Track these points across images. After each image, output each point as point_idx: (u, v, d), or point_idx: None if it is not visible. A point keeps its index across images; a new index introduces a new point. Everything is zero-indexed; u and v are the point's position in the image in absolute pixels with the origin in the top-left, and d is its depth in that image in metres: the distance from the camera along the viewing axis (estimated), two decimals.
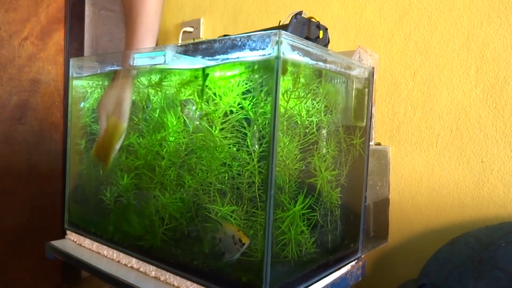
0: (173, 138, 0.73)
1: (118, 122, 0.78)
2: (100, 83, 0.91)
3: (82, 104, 0.93)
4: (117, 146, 0.78)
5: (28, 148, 1.41)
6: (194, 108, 0.68)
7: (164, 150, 0.73)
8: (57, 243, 0.85)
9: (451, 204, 1.00)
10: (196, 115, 0.67)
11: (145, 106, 0.80)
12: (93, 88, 0.92)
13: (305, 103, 0.68)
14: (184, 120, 0.69)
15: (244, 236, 0.59)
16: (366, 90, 0.80)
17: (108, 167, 0.81)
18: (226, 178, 0.67)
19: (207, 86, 0.68)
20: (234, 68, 0.67)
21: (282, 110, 0.63)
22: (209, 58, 0.65)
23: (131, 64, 0.78)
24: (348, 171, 0.76)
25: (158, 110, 0.76)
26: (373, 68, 0.81)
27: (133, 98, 0.82)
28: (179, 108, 0.69)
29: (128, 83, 0.78)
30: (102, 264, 0.76)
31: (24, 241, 1.41)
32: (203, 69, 0.67)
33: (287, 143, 0.65)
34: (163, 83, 0.77)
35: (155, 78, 0.78)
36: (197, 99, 0.69)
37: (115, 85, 0.80)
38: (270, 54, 0.56)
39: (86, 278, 1.59)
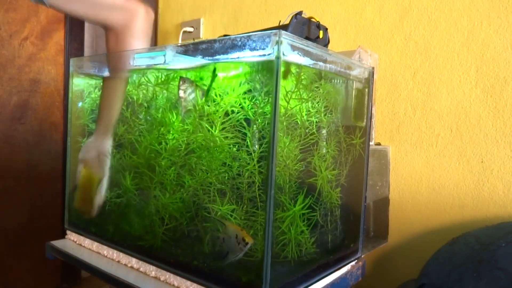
0: (172, 135, 0.73)
1: (95, 174, 0.81)
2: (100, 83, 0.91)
3: (80, 104, 0.93)
4: (98, 196, 0.81)
5: (28, 148, 1.41)
6: (191, 89, 0.67)
7: (163, 148, 0.73)
8: (57, 243, 0.85)
9: (451, 204, 1.00)
10: (191, 97, 0.67)
11: (146, 106, 0.80)
12: (92, 88, 0.92)
13: (306, 103, 0.68)
14: (178, 99, 0.68)
15: (248, 235, 0.59)
16: (366, 90, 0.80)
17: (93, 215, 0.82)
18: (226, 178, 0.67)
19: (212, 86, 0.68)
20: (234, 68, 0.67)
21: (282, 110, 0.63)
22: (209, 58, 0.65)
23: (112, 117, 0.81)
24: (348, 171, 0.76)
25: (159, 109, 0.76)
26: (373, 68, 0.81)
27: (134, 99, 0.82)
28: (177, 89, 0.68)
29: (108, 136, 0.81)
30: (102, 264, 0.76)
31: (24, 241, 1.41)
32: (214, 69, 0.67)
33: (288, 143, 0.65)
34: (162, 82, 0.77)
35: (156, 78, 0.78)
36: (198, 100, 0.69)
37: (96, 136, 0.82)
38: (270, 54, 0.56)
39: (86, 278, 1.59)
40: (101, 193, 0.81)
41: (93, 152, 0.81)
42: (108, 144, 0.81)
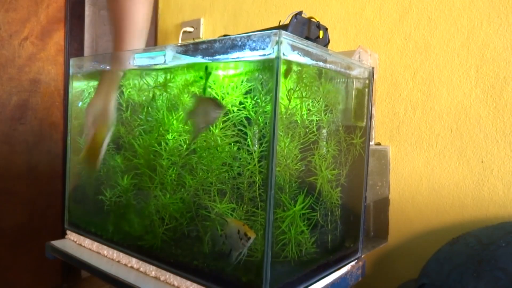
0: (172, 136, 0.73)
1: (103, 128, 0.80)
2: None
3: (80, 104, 0.93)
4: (103, 149, 0.81)
5: (28, 148, 1.41)
6: (218, 111, 0.64)
7: (163, 148, 0.73)
8: (57, 243, 0.85)
9: (451, 204, 1.00)
10: (214, 117, 0.64)
11: (146, 107, 0.80)
12: (92, 89, 0.92)
13: (306, 103, 0.68)
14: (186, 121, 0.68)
15: (249, 230, 0.58)
16: (366, 90, 0.80)
17: (95, 168, 0.83)
18: (227, 178, 0.67)
19: (209, 86, 0.68)
20: (234, 67, 0.67)
21: (283, 109, 0.63)
22: (209, 58, 0.65)
23: (119, 65, 0.79)
24: (348, 171, 0.76)
25: (159, 110, 0.76)
26: (373, 68, 0.81)
27: (136, 99, 0.82)
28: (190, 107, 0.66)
29: (113, 88, 0.78)
30: (102, 264, 0.76)
31: (24, 241, 1.41)
32: (206, 67, 0.67)
33: (288, 143, 0.65)
34: (161, 82, 0.77)
35: (154, 77, 0.78)
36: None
37: (101, 91, 0.80)
38: (270, 54, 0.56)
39: (86, 278, 1.59)
40: (104, 148, 0.80)
41: (97, 108, 0.79)
42: (112, 99, 0.78)
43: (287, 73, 0.62)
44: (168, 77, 0.75)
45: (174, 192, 0.72)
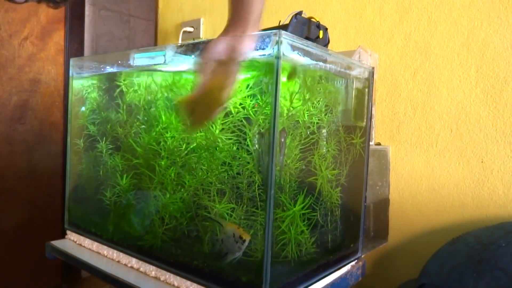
0: (172, 135, 0.73)
1: (233, 72, 0.58)
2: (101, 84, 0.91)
3: (83, 109, 0.92)
4: (219, 110, 0.60)
5: (28, 148, 1.40)
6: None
7: (163, 148, 0.73)
8: (57, 243, 0.85)
9: (451, 204, 1.00)
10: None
11: (145, 107, 0.80)
12: (92, 88, 0.92)
13: (307, 104, 0.68)
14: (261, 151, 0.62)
15: (244, 232, 0.58)
16: (366, 90, 0.80)
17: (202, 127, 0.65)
18: (226, 177, 0.67)
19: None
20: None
21: (284, 110, 0.63)
22: None
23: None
24: (348, 171, 0.76)
25: (162, 111, 0.76)
26: (373, 68, 0.81)
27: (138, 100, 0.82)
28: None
29: (248, 28, 0.57)
30: (102, 264, 0.76)
31: (24, 241, 1.41)
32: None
33: (288, 143, 0.65)
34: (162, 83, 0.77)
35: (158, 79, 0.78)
36: None
37: (231, 30, 0.58)
38: (270, 54, 0.56)
39: (86, 278, 1.59)
40: (222, 107, 0.60)
41: (222, 51, 0.56)
42: (248, 43, 0.56)
43: (290, 77, 0.62)
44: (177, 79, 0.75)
45: (173, 192, 0.71)
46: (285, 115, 0.63)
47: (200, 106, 0.59)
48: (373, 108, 0.97)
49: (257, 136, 0.63)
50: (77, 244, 0.86)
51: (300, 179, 0.67)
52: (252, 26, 0.57)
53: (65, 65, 1.49)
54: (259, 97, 0.63)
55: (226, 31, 0.58)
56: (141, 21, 1.71)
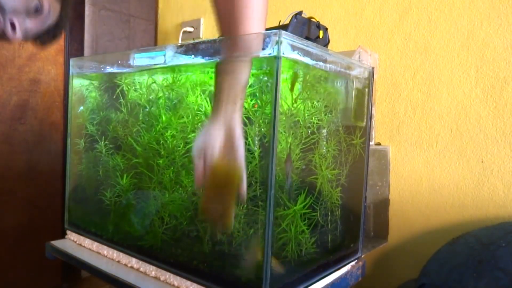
0: (170, 133, 0.73)
1: (234, 164, 0.56)
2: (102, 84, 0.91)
3: (81, 108, 0.92)
4: (240, 196, 0.57)
5: (28, 148, 1.40)
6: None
7: (162, 147, 0.73)
8: (57, 243, 0.85)
9: (451, 204, 1.00)
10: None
11: (145, 107, 0.80)
12: (91, 88, 0.92)
13: (307, 104, 0.68)
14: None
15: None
16: (366, 90, 0.80)
17: (230, 227, 0.59)
18: None
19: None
20: None
21: (285, 109, 0.63)
22: (209, 58, 0.65)
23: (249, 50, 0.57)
24: (348, 171, 0.76)
25: (162, 110, 0.76)
26: (373, 68, 0.81)
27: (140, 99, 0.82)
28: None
29: (238, 113, 0.56)
30: (102, 264, 0.76)
31: (24, 241, 1.41)
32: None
33: (288, 143, 0.65)
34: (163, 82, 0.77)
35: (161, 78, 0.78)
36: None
37: (218, 118, 0.57)
38: (270, 54, 0.56)
39: (86, 278, 1.59)
40: (243, 191, 0.56)
41: (219, 136, 0.56)
42: (239, 120, 0.56)
43: (292, 83, 0.62)
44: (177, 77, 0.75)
45: (173, 192, 0.71)
46: (285, 115, 0.63)
47: (216, 202, 0.56)
48: (373, 108, 0.97)
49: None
50: (77, 244, 0.86)
51: (300, 179, 0.67)
52: (241, 93, 0.56)
53: (65, 65, 1.49)
54: (258, 95, 0.63)
55: (217, 109, 0.56)
56: (141, 21, 1.71)
